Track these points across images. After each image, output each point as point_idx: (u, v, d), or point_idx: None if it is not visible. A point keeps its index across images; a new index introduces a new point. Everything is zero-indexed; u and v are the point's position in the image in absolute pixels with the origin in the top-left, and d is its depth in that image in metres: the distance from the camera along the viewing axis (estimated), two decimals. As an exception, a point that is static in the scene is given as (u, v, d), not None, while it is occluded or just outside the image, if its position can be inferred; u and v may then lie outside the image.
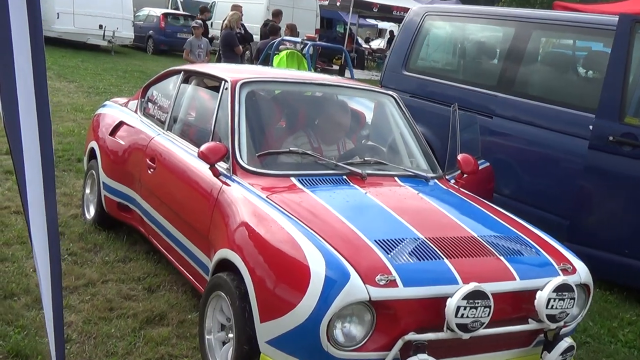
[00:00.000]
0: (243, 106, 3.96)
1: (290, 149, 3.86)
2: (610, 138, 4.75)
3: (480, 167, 5.08)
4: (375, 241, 3.07)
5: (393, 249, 3.03)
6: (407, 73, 7.07)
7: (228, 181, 3.68)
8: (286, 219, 3.21)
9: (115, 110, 5.44)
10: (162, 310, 4.00)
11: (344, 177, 3.77)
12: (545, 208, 5.63)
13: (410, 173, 4.02)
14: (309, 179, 3.67)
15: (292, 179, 3.66)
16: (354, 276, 2.83)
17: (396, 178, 3.93)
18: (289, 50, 9.55)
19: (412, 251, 3.05)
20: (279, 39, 9.95)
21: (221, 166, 3.77)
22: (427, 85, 6.84)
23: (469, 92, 6.36)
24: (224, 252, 3.34)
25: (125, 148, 4.90)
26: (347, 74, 11.10)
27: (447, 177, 4.49)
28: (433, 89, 6.75)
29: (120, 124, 5.14)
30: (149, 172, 4.45)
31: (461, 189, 4.15)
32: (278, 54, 9.55)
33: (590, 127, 5.00)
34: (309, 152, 3.86)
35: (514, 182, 5.93)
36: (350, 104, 4.88)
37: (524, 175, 5.87)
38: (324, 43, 11.76)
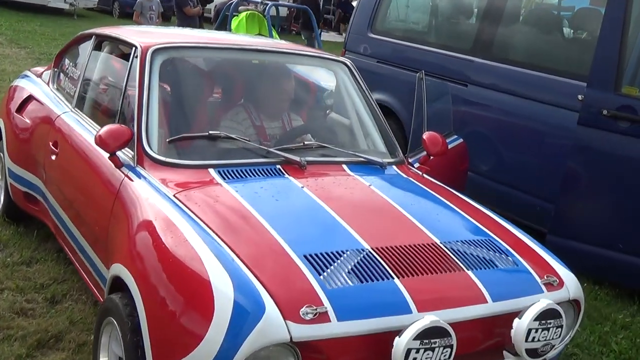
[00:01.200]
0: (155, 78, 3.19)
1: (210, 132, 3.10)
2: (604, 112, 4.01)
3: (451, 145, 4.37)
4: (305, 256, 2.35)
5: (327, 268, 2.32)
6: (373, 35, 6.29)
7: (131, 174, 2.93)
8: (192, 226, 2.48)
9: (29, 83, 4.64)
10: (60, 329, 3.27)
11: (278, 166, 3.03)
12: (527, 190, 4.94)
13: (361, 159, 3.28)
14: (232, 171, 2.93)
15: (211, 170, 2.92)
16: (271, 309, 2.11)
17: (344, 166, 3.20)
18: (249, 12, 8.72)
19: (352, 269, 2.34)
20: (238, -1, 9.11)
21: (128, 154, 3.03)
22: (395, 49, 6.07)
23: (441, 57, 5.61)
24: (117, 268, 2.61)
25: (29, 128, 4.12)
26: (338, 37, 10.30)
27: (410, 160, 3.77)
28: (402, 53, 5.99)
29: (29, 98, 4.35)
30: (52, 157, 3.69)
31: (425, 175, 3.43)
32: (237, 15, 8.71)
33: (580, 97, 4.27)
34: (233, 135, 3.10)
35: (492, 159, 5.22)
36: (306, 75, 4.15)
37: (503, 152, 5.16)
38: (285, 3, 10.85)
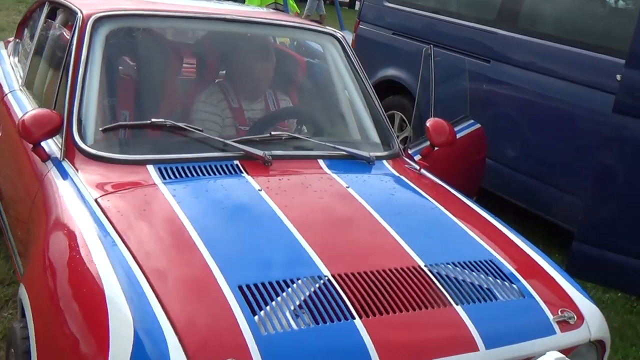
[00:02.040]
0: (97, 53, 2.65)
1: (153, 120, 2.55)
2: (646, 96, 3.35)
3: (467, 131, 3.79)
4: (240, 288, 1.81)
5: (267, 304, 1.78)
6: (389, 4, 5.65)
7: (54, 170, 2.41)
8: (104, 243, 1.95)
9: (-7, 55, 4.16)
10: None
11: (236, 162, 2.48)
12: (555, 183, 4.31)
13: (343, 153, 2.71)
14: (175, 168, 2.38)
15: (150, 168, 2.37)
16: (179, 367, 1.59)
17: (321, 162, 2.63)
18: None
19: (301, 305, 1.80)
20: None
21: (59, 145, 2.51)
22: (411, 20, 5.43)
23: (461, 29, 4.95)
24: (21, 289, 2.11)
25: (-20, 107, 3.64)
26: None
27: (410, 151, 3.20)
28: (419, 24, 5.35)
29: (-13, 72, 3.87)
30: (-5, 142, 3.21)
31: (424, 172, 2.85)
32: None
33: (618, 77, 3.62)
34: (181, 124, 2.54)
35: (515, 147, 4.58)
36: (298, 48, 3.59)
37: (528, 138, 4.51)
38: None
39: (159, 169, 2.36)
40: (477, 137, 4.00)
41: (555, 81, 4.34)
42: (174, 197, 2.19)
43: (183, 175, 2.35)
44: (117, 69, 2.93)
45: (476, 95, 4.73)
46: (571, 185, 4.17)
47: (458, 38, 4.92)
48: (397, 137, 5.55)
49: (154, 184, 2.28)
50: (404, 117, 5.40)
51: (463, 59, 4.16)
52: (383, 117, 3.07)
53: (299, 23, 3.22)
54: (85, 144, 2.43)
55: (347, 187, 2.45)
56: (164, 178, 2.32)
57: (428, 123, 3.10)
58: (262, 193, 2.29)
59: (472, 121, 3.97)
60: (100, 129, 2.49)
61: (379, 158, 2.78)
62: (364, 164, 2.71)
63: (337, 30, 3.30)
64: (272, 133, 2.64)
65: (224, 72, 3.47)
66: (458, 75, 4.23)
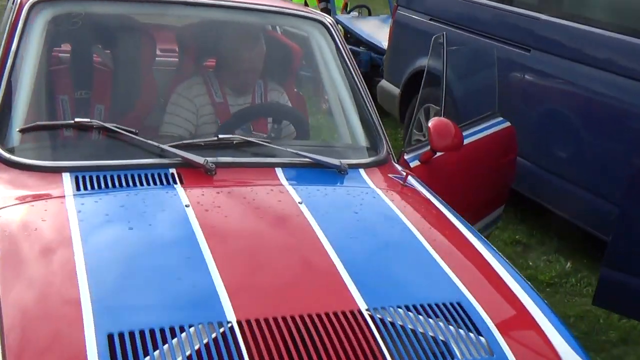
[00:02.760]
0: (32, 42, 2.33)
1: (77, 120, 2.20)
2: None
3: (494, 129, 3.31)
4: (110, 337, 1.45)
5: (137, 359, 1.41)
6: (428, -13, 5.15)
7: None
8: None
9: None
10: None
11: (172, 171, 2.11)
12: (591, 187, 3.76)
13: (307, 160, 2.29)
14: (97, 178, 2.03)
15: (66, 176, 2.03)
16: None
17: (278, 171, 2.23)
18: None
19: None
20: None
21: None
22: (450, 4, 4.92)
23: (500, 13, 4.42)
24: None
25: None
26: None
27: (407, 156, 2.75)
28: (455, 9, 4.83)
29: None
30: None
31: (412, 182, 2.41)
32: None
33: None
34: (108, 125, 2.19)
35: (555, 146, 4.04)
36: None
37: (567, 137, 3.96)
38: None
39: (76, 178, 2.01)
40: (505, 137, 3.49)
41: (604, 74, 3.77)
42: (77, 214, 1.84)
43: (103, 186, 2.00)
44: (66, 60, 2.62)
45: (513, 89, 4.21)
46: (609, 190, 3.63)
47: (495, 24, 4.40)
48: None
49: (63, 196, 1.93)
50: (441, 111, 4.90)
51: (492, 48, 3.65)
52: (372, 116, 2.64)
53: (281, 7, 2.80)
54: (3, 147, 2.11)
55: (300, 203, 2.04)
56: (78, 189, 1.97)
57: (430, 123, 2.66)
58: (189, 210, 1.92)
59: (500, 119, 3.47)
60: (17, 129, 2.16)
61: (355, 166, 2.35)
62: (333, 174, 2.30)
63: (326, 16, 2.88)
64: (220, 136, 2.25)
65: (210, 62, 3.13)
66: (487, 66, 3.72)
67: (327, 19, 2.82)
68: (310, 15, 2.80)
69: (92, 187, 1.99)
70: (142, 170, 2.09)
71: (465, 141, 3.07)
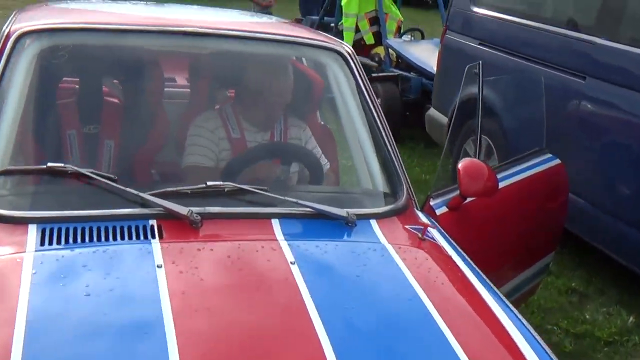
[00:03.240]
0: (20, 76, 2.15)
1: (49, 164, 1.98)
2: None
3: (540, 168, 2.98)
4: None
5: None
6: (477, 9, 4.82)
7: None
8: None
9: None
10: None
11: (152, 223, 1.86)
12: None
13: (309, 210, 2.01)
14: (66, 230, 1.80)
15: (32, 229, 1.80)
16: None
17: (275, 223, 1.95)
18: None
19: None
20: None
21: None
22: (500, 27, 4.59)
23: (552, 37, 4.06)
24: None
25: None
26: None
27: (433, 202, 2.44)
28: (505, 32, 4.49)
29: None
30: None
31: (433, 234, 2.11)
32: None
33: None
34: (84, 170, 1.96)
35: (613, 183, 3.64)
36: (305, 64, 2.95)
37: (631, 173, 3.56)
38: None
39: (42, 231, 1.79)
40: (554, 176, 3.13)
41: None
42: (32, 277, 1.62)
43: (71, 240, 1.78)
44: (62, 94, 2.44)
45: (566, 120, 3.84)
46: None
47: (548, 49, 4.05)
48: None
49: (23, 252, 1.71)
50: (492, 143, 4.57)
51: (539, 77, 3.30)
52: (392, 157, 2.34)
53: (294, 37, 2.54)
54: None
55: (292, 263, 1.77)
56: (42, 244, 1.75)
57: (459, 165, 2.35)
58: (160, 272, 1.67)
59: (548, 155, 3.12)
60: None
61: (365, 217, 2.06)
62: (339, 226, 2.01)
63: (344, 45, 2.61)
64: (209, 183, 2.00)
65: (228, 94, 2.92)
66: (535, 97, 3.38)
67: (345, 49, 2.55)
68: (325, 44, 2.53)
69: (59, 242, 1.76)
70: (119, 221, 1.85)
71: (507, 181, 2.77)
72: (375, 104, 2.46)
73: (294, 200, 2.00)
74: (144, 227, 1.84)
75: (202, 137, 2.54)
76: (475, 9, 4.80)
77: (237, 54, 2.58)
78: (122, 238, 1.80)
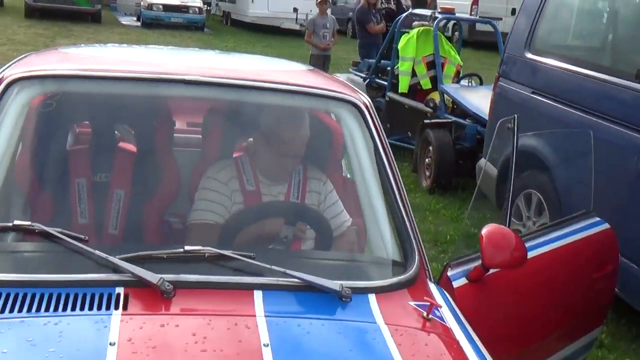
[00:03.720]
0: (8, 124, 2.03)
1: (15, 222, 1.83)
2: None
3: (586, 233, 2.67)
4: None
5: None
6: (532, 56, 4.53)
7: None
8: None
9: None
10: None
11: (118, 291, 1.68)
12: None
13: (297, 282, 1.79)
14: (23, 297, 1.63)
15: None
16: None
17: (258, 294, 1.74)
18: (422, 28, 7.27)
19: None
20: (407, 12, 7.66)
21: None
22: (552, 75, 4.29)
23: (609, 88, 3.74)
24: None
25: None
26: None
27: (451, 272, 2.19)
28: (561, 81, 4.19)
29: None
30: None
31: (440, 314, 1.86)
32: (407, 32, 7.32)
33: None
34: (52, 229, 1.80)
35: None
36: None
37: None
38: (465, 16, 9.04)
39: (-1, 297, 1.63)
40: (602, 243, 2.80)
41: None
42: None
43: (26, 308, 1.61)
44: (57, 143, 2.33)
45: (623, 178, 3.51)
46: None
47: (605, 101, 3.73)
48: (534, 222, 4.42)
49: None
50: (543, 199, 4.24)
51: (588, 133, 3.00)
52: (405, 222, 2.10)
53: (303, 87, 2.34)
54: None
55: (266, 346, 1.55)
56: (-5, 313, 1.59)
57: (483, 231, 2.10)
58: (111, 352, 1.48)
59: (595, 219, 2.80)
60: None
61: (362, 291, 1.83)
62: (332, 300, 1.78)
63: (361, 94, 2.40)
64: (186, 248, 1.81)
65: (245, 143, 2.76)
66: (583, 154, 3.08)
67: (362, 100, 2.33)
68: (340, 95, 2.32)
69: (12, 310, 1.60)
70: (83, 288, 1.68)
71: (544, 248, 2.48)
72: (391, 161, 2.24)
73: (281, 269, 1.79)
74: (109, 296, 1.66)
75: (212, 191, 2.38)
76: (530, 55, 4.52)
77: (248, 104, 2.40)
78: (82, 308, 1.62)
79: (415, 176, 6.44)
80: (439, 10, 7.63)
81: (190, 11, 19.23)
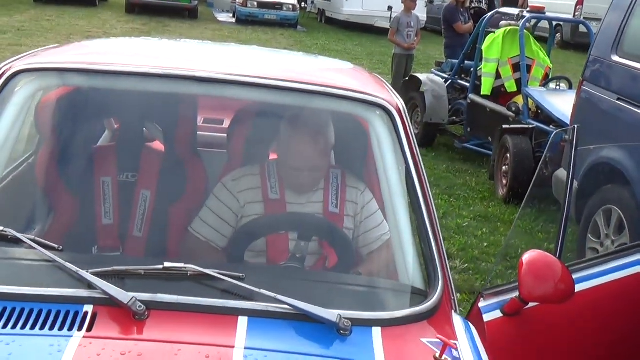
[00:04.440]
0: (7, 117, 1.92)
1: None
2: None
3: (635, 269, 2.32)
4: None
5: None
6: (619, 59, 4.11)
7: None
8: None
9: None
10: None
11: (86, 309, 1.51)
12: None
13: (289, 309, 1.56)
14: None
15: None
16: None
17: (242, 321, 1.53)
18: (509, 28, 6.85)
19: None
20: (494, 11, 7.23)
21: None
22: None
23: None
24: None
25: None
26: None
27: (482, 304, 1.91)
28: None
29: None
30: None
31: (471, 349, 1.60)
32: (493, 32, 6.92)
33: None
34: (24, 237, 1.64)
35: None
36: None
37: None
38: (555, 15, 8.45)
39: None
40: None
41: None
42: None
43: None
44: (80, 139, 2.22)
45: None
46: None
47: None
48: (613, 242, 4.01)
49: None
50: (623, 216, 3.84)
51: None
52: (431, 242, 1.84)
53: (331, 89, 2.09)
54: None
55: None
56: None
57: (524, 257, 1.82)
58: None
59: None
60: None
61: (365, 323, 1.58)
62: (328, 333, 1.55)
63: (394, 97, 2.14)
64: (166, 265, 1.61)
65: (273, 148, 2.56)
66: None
67: (394, 104, 2.08)
68: (369, 97, 2.07)
69: None
70: (50, 304, 1.52)
71: (597, 281, 2.16)
72: (421, 172, 1.98)
73: (272, 295, 1.57)
74: (75, 315, 1.50)
75: (220, 203, 2.20)
76: (617, 59, 4.10)
77: (272, 105, 2.19)
78: (42, 327, 1.46)
79: (492, 184, 6.07)
80: (528, 9, 7.17)
81: (284, 8, 19.27)
